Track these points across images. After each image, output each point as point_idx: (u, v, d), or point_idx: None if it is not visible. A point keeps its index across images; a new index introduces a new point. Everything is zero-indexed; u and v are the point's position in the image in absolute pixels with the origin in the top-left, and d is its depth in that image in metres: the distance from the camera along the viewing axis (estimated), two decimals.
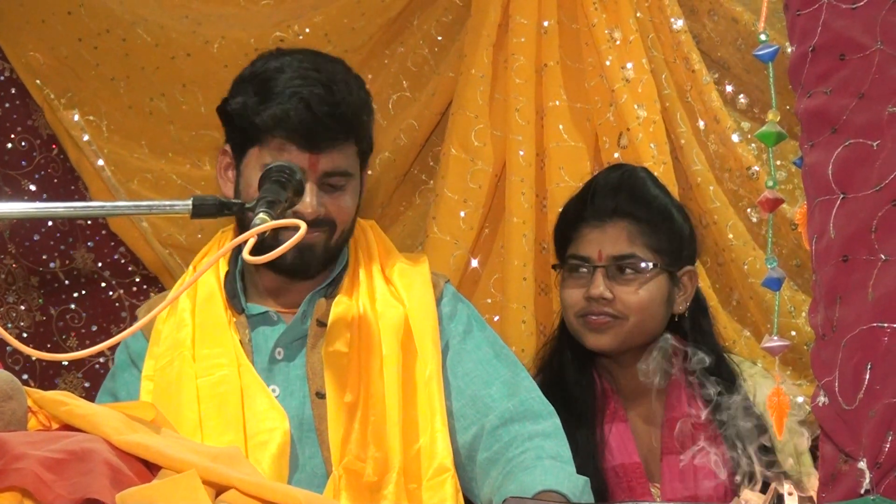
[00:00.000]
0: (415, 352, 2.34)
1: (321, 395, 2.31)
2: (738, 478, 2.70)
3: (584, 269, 2.72)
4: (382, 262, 2.46)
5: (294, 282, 2.41)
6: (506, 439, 2.31)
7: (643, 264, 2.70)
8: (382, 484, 2.24)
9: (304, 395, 2.33)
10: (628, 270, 2.70)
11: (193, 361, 2.32)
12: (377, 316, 2.35)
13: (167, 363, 2.33)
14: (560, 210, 2.86)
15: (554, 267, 2.83)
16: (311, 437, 2.30)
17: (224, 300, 2.39)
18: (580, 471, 2.29)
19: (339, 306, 2.35)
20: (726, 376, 2.74)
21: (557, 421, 2.37)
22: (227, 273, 2.43)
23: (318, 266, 2.40)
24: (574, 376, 2.75)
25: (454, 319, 2.45)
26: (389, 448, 2.26)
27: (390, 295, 2.39)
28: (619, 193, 2.73)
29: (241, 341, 2.35)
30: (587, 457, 2.60)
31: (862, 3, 1.49)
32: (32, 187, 3.09)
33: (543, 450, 2.28)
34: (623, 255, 2.70)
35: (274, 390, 2.33)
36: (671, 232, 2.74)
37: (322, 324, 2.35)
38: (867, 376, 1.42)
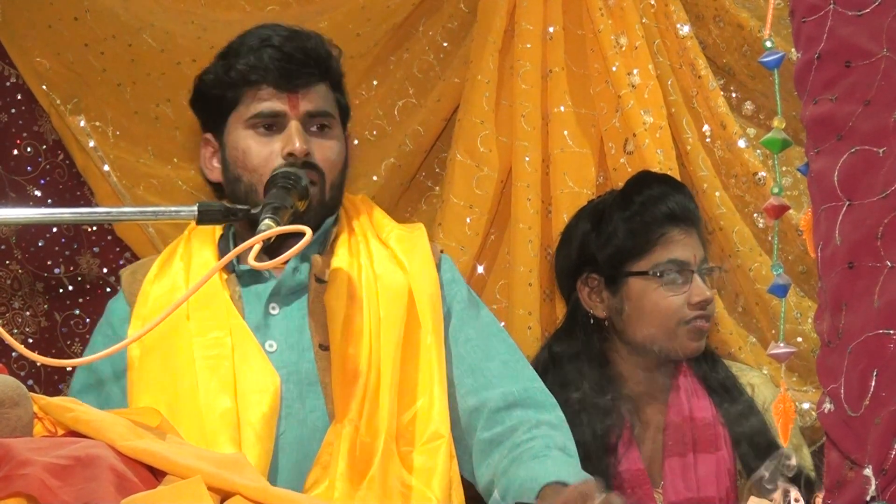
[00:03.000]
0: (417, 318, 2.31)
1: (324, 348, 2.27)
2: (740, 481, 2.71)
3: (678, 275, 2.71)
4: (377, 226, 2.43)
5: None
6: (510, 423, 2.28)
7: (713, 269, 2.78)
8: (373, 449, 2.18)
9: (305, 347, 2.29)
10: (708, 275, 2.75)
11: (187, 321, 2.28)
12: (376, 277, 2.32)
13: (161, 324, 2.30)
14: (598, 213, 2.80)
15: (627, 275, 2.73)
16: (314, 390, 2.26)
17: (217, 260, 2.34)
18: None
19: (339, 263, 2.32)
20: (725, 380, 2.74)
21: (562, 414, 2.35)
22: (221, 236, 2.41)
23: (317, 219, 2.35)
24: (597, 391, 2.71)
25: (455, 283, 2.42)
26: (381, 411, 2.21)
27: (389, 259, 2.36)
28: (690, 198, 2.78)
29: (231, 297, 2.31)
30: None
31: (868, 10, 1.49)
32: (38, 193, 3.09)
33: (552, 439, 2.26)
34: (705, 259, 2.76)
35: (271, 345, 2.29)
36: None
37: (321, 280, 2.31)
38: (873, 383, 1.42)
